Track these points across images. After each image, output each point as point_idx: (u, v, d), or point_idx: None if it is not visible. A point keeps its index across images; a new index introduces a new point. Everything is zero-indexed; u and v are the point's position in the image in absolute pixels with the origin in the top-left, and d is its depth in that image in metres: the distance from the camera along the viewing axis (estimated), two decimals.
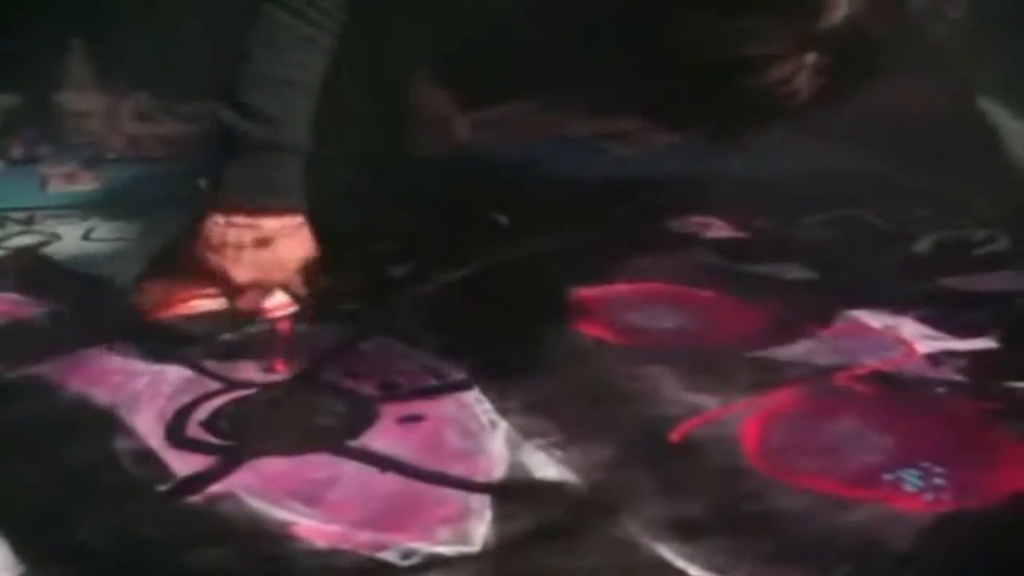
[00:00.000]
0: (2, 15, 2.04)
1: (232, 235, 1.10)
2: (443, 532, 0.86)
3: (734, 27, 0.85)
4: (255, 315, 1.16)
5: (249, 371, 1.15)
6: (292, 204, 1.12)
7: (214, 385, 1.12)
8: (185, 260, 1.13)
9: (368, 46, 1.25)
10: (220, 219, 1.10)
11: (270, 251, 1.11)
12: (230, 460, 0.97)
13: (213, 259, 1.11)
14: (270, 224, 1.10)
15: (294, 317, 1.17)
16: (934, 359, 1.18)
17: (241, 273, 1.11)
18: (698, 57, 0.89)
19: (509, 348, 1.22)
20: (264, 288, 1.14)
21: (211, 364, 1.16)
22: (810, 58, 0.87)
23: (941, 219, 1.68)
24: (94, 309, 1.34)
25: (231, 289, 1.12)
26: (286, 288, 1.15)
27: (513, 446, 1.00)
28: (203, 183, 1.12)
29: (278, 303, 1.15)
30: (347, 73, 1.15)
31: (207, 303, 1.23)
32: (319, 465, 0.96)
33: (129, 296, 1.25)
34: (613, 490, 0.92)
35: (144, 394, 1.09)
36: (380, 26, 1.24)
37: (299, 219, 1.13)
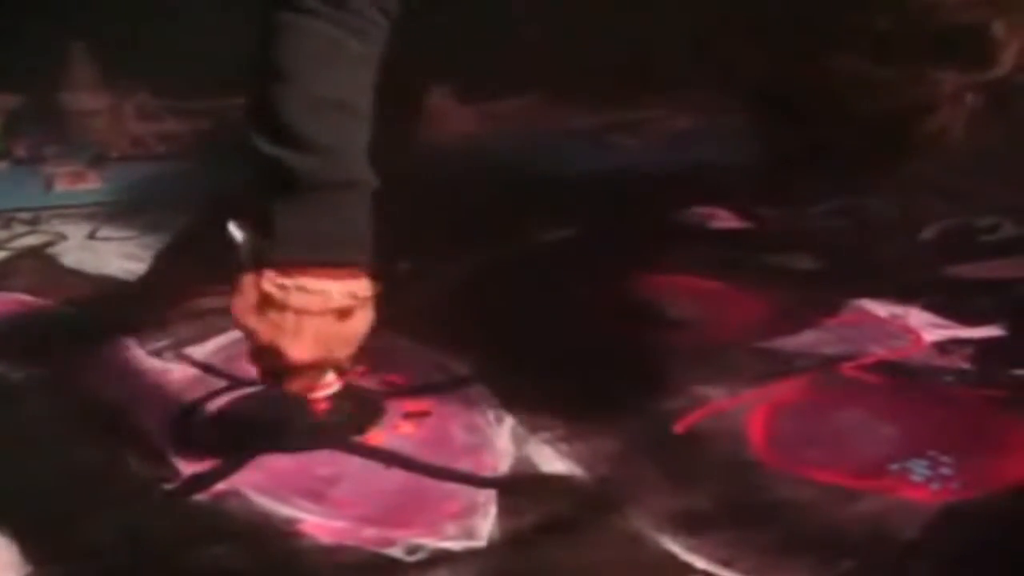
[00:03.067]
0: (5, 16, 2.04)
1: (297, 301, 0.90)
2: (449, 527, 0.86)
3: (908, 77, 0.84)
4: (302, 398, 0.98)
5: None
6: (365, 259, 0.94)
7: (220, 383, 1.12)
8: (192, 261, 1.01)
9: None
10: (276, 278, 0.90)
11: (341, 323, 0.92)
12: (236, 458, 0.97)
13: (265, 330, 0.91)
14: (347, 288, 0.92)
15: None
16: (941, 347, 1.18)
17: (301, 351, 0.91)
18: (871, 106, 0.88)
19: (514, 343, 1.22)
20: (322, 368, 0.96)
21: (217, 362, 1.16)
22: (969, 100, 0.87)
23: (947, 207, 1.68)
24: (100, 309, 1.34)
25: (283, 367, 0.93)
26: (338, 364, 0.97)
27: (519, 440, 1.00)
28: (236, 230, 0.92)
29: (326, 383, 0.98)
30: None
31: (212, 301, 1.24)
32: (325, 462, 0.96)
33: None
34: (619, 483, 0.92)
35: (150, 393, 1.09)
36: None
37: (371, 285, 0.95)
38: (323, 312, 0.90)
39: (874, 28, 0.82)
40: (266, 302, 0.90)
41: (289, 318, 0.90)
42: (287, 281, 0.90)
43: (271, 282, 0.90)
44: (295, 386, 0.95)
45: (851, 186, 1.59)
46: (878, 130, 0.90)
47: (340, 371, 0.99)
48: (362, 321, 0.94)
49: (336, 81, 0.92)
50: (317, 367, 0.94)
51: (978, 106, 0.86)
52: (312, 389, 0.97)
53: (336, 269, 0.91)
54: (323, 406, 0.99)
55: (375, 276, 0.95)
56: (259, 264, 0.91)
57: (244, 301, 0.91)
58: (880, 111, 0.87)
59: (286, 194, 0.90)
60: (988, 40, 0.82)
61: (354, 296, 0.92)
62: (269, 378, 0.96)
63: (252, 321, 0.91)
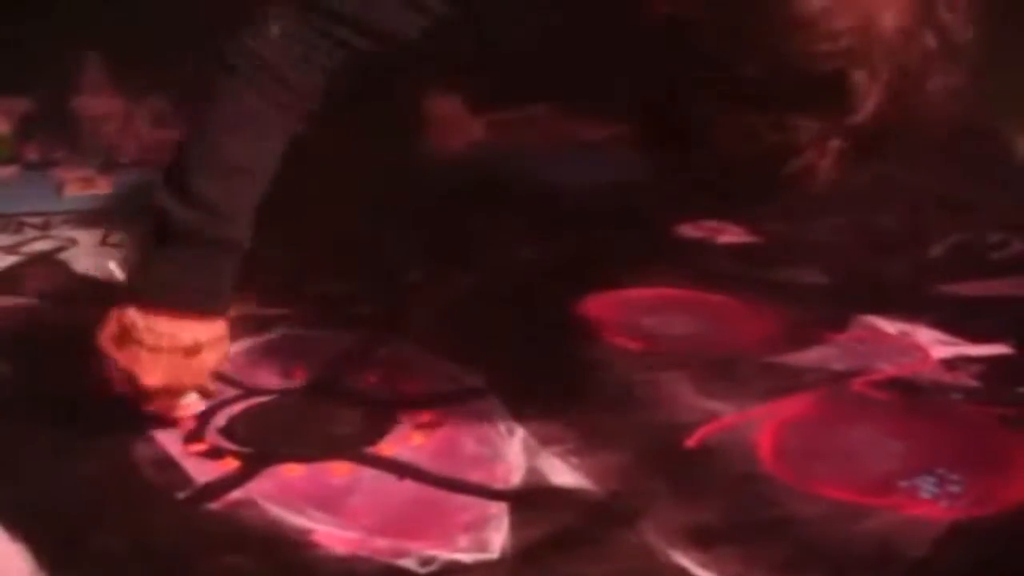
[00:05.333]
0: (18, 21, 2.05)
1: (149, 339, 0.98)
2: (461, 539, 0.86)
3: (770, 122, 0.87)
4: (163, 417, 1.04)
5: (267, 378, 1.15)
6: (221, 310, 1.02)
7: (232, 392, 1.13)
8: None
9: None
10: (137, 317, 0.98)
11: (189, 359, 1.00)
12: (249, 467, 0.97)
13: (121, 358, 0.99)
14: (194, 332, 1.00)
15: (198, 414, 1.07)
16: (949, 364, 1.18)
17: (153, 379, 0.99)
18: (732, 149, 0.91)
19: (525, 354, 1.23)
20: (174, 392, 1.02)
21: (229, 370, 1.17)
22: (834, 144, 0.90)
23: (955, 223, 1.68)
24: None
25: (139, 392, 1.01)
26: (197, 388, 1.05)
27: (530, 453, 1.00)
28: (115, 266, 1.01)
29: (188, 403, 1.05)
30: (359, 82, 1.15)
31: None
32: (337, 472, 0.97)
33: None
34: (629, 497, 0.93)
35: None
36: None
37: (224, 327, 1.03)
38: (172, 349, 0.99)
39: (741, 75, 0.85)
40: (124, 335, 0.99)
41: (143, 351, 0.99)
42: (142, 320, 0.98)
43: (130, 319, 0.99)
44: (153, 407, 1.03)
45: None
46: (745, 169, 0.94)
47: (205, 393, 1.06)
48: (211, 358, 1.02)
49: (239, 148, 0.99)
50: (170, 393, 1.02)
51: (844, 149, 0.89)
52: (171, 409, 1.04)
53: (188, 314, 0.99)
54: (189, 424, 1.05)
55: (228, 319, 1.03)
56: (124, 301, 1.00)
57: (108, 331, 1.00)
58: (747, 152, 0.90)
59: (166, 242, 0.98)
60: (848, 89, 0.85)
61: (201, 338, 1.00)
62: (130, 398, 1.02)
63: (112, 350, 1.00)
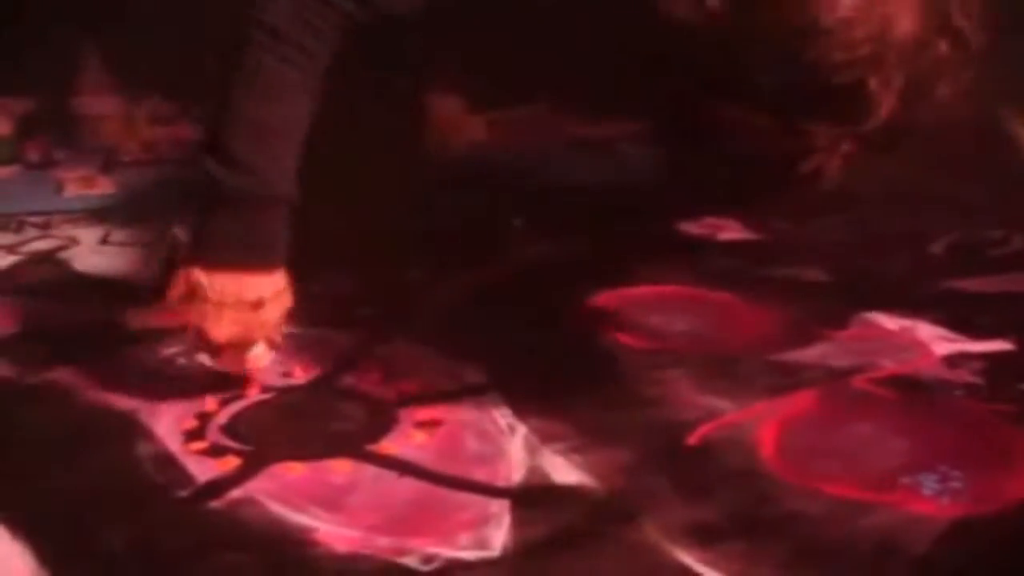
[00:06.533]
0: (18, 21, 2.04)
1: (214, 294, 1.05)
2: (463, 537, 0.86)
3: (785, 127, 0.88)
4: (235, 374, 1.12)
5: (268, 376, 1.15)
6: (278, 263, 1.08)
7: (234, 389, 1.12)
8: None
9: (382, 50, 1.26)
10: (202, 275, 1.06)
11: (254, 312, 1.07)
12: (250, 465, 0.97)
13: (189, 315, 1.08)
14: (256, 285, 1.07)
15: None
16: (951, 361, 1.18)
17: (221, 333, 1.07)
18: (746, 150, 0.93)
19: (527, 352, 1.23)
20: (244, 345, 1.09)
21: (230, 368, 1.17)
22: (844, 147, 0.90)
23: (956, 220, 1.68)
24: (112, 313, 1.35)
25: (209, 347, 1.09)
26: (264, 340, 1.11)
27: (532, 450, 1.00)
28: (178, 231, 1.10)
29: (257, 355, 1.11)
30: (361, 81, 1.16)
31: None
32: (339, 470, 0.97)
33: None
34: (631, 494, 0.93)
35: (163, 399, 1.10)
36: (397, 28, 1.24)
37: (283, 279, 1.09)
38: (237, 304, 1.06)
39: (759, 81, 0.86)
40: (192, 294, 1.06)
41: (210, 307, 1.05)
42: (207, 278, 1.05)
43: (196, 278, 1.06)
44: (223, 361, 1.10)
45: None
46: (758, 169, 0.95)
47: (272, 344, 1.12)
48: (275, 310, 1.09)
49: (270, 110, 1.06)
50: (239, 346, 1.09)
51: (853, 152, 0.90)
52: (240, 363, 1.10)
53: (249, 270, 1.06)
54: (260, 376, 1.13)
55: (289, 272, 1.10)
56: (188, 262, 1.07)
57: (176, 291, 1.07)
58: (760, 154, 0.91)
59: (218, 205, 1.06)
60: (864, 96, 0.86)
61: (264, 290, 1.07)
62: (202, 354, 1.11)
63: (181, 307, 1.08)
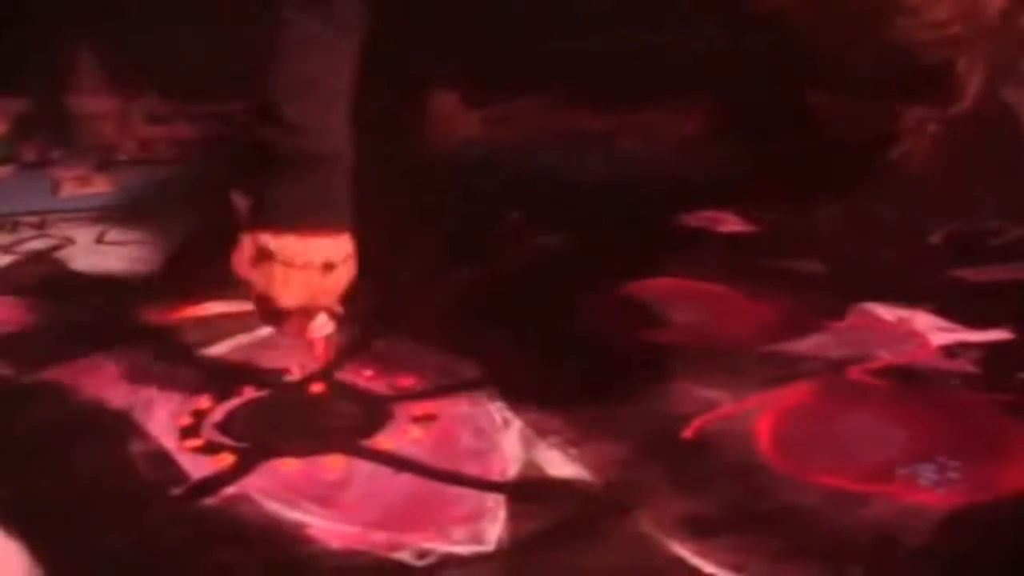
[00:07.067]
0: (13, 20, 2.04)
1: (283, 257, 1.02)
2: (458, 531, 0.86)
3: (876, 111, 0.87)
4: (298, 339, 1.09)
5: (263, 372, 1.15)
6: (345, 224, 1.06)
7: (228, 386, 1.12)
8: (200, 264, 1.10)
9: (381, 45, 1.25)
10: (268, 239, 1.02)
11: (323, 276, 1.04)
12: (245, 462, 0.97)
13: (258, 281, 1.04)
14: (324, 247, 1.04)
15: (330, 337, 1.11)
16: (948, 351, 1.18)
17: (289, 298, 1.04)
18: (836, 136, 0.92)
19: (522, 346, 1.22)
20: (309, 312, 1.07)
21: (225, 365, 1.17)
22: (931, 129, 0.90)
23: (954, 210, 1.67)
24: (108, 312, 1.35)
25: (275, 313, 1.06)
26: (327, 309, 1.08)
27: (527, 444, 1.00)
28: (237, 197, 1.06)
29: (320, 324, 1.08)
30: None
31: (220, 306, 1.24)
32: (333, 466, 0.97)
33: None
34: (627, 488, 0.93)
35: (158, 396, 1.10)
36: (394, 25, 1.24)
37: (350, 242, 1.06)
38: (306, 266, 1.03)
39: (847, 66, 0.85)
40: (259, 256, 1.03)
41: (278, 270, 1.03)
42: (274, 241, 1.02)
43: (263, 241, 1.03)
44: (289, 329, 1.08)
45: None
46: (844, 156, 0.94)
47: (332, 314, 1.08)
48: (344, 273, 1.06)
49: (314, 68, 1.04)
50: (306, 312, 1.06)
51: (939, 135, 0.89)
52: (305, 331, 1.08)
53: (316, 232, 1.03)
54: (321, 345, 1.09)
55: (355, 234, 1.07)
56: (253, 226, 1.04)
57: (242, 255, 1.04)
58: (847, 140, 0.90)
59: (273, 167, 1.03)
60: (953, 78, 0.85)
61: (332, 253, 1.04)
62: (267, 321, 1.08)
63: (248, 272, 1.04)
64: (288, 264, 1.02)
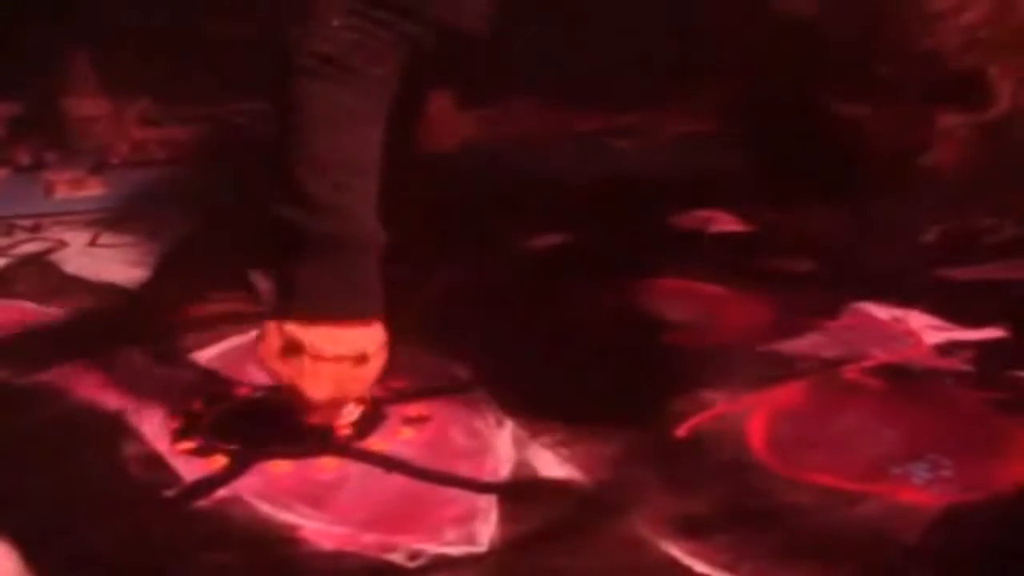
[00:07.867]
0: (7, 22, 2.04)
1: (312, 349, 0.96)
2: (450, 532, 0.86)
3: (909, 119, 0.87)
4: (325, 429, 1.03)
5: (255, 374, 1.15)
6: (377, 311, 1.00)
7: (221, 389, 1.12)
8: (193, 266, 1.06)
9: None
10: (297, 330, 0.96)
11: (355, 368, 0.98)
12: (237, 464, 0.97)
13: (285, 372, 0.98)
14: (357, 338, 0.98)
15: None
16: (942, 350, 1.18)
17: (319, 392, 0.98)
18: (867, 146, 0.91)
19: (514, 347, 1.22)
20: (338, 404, 1.02)
21: (219, 367, 1.16)
22: (962, 135, 0.89)
23: (947, 208, 1.67)
24: (101, 315, 1.35)
25: (303, 405, 0.99)
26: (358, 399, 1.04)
27: (519, 445, 1.00)
28: (257, 279, 1.03)
29: (348, 412, 1.04)
30: None
31: (214, 307, 1.24)
32: (325, 468, 0.97)
33: None
34: (619, 488, 0.92)
35: (151, 399, 1.09)
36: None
37: (383, 331, 1.00)
38: (338, 359, 0.97)
39: (875, 75, 0.85)
40: (287, 348, 0.97)
41: (307, 362, 0.96)
42: (303, 333, 0.96)
43: (292, 331, 0.96)
44: (316, 419, 1.01)
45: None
46: (875, 169, 0.94)
47: (361, 401, 1.05)
48: (376, 365, 1.00)
49: (342, 143, 0.97)
50: (335, 404, 1.01)
51: (971, 141, 0.88)
52: (333, 420, 1.02)
53: (348, 322, 0.97)
54: (345, 431, 1.03)
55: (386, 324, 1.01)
56: (280, 314, 0.98)
57: (268, 346, 0.98)
58: (882, 148, 0.90)
59: (300, 252, 0.96)
60: (986, 83, 0.85)
61: (365, 344, 0.98)
62: (294, 412, 1.01)
63: (275, 364, 0.98)
64: (318, 358, 0.96)
